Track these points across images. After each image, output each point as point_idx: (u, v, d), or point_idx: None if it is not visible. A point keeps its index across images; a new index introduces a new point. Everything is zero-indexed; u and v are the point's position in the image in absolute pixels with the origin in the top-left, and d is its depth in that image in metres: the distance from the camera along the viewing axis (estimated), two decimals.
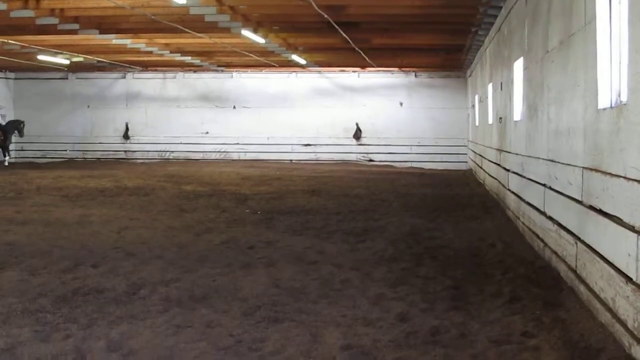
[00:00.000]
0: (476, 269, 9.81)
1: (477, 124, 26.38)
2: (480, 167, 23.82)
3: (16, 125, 33.79)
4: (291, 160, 36.53)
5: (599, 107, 7.34)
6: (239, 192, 19.70)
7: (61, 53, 28.05)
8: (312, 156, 36.79)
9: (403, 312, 7.55)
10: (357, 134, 36.41)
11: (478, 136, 25.61)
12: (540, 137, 11.05)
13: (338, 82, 36.63)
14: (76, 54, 28.55)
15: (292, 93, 36.83)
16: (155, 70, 36.96)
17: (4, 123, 34.34)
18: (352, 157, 36.54)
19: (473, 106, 28.89)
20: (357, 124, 36.31)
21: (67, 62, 30.85)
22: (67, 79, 37.89)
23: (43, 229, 13.29)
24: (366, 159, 36.40)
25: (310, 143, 37.04)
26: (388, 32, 22.22)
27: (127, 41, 24.01)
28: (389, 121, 36.25)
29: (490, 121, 20.21)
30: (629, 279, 6.08)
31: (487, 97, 21.24)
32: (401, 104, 36.35)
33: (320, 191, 20.32)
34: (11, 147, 34.80)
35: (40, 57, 28.86)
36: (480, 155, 23.78)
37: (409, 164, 35.34)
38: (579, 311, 7.44)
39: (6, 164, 32.97)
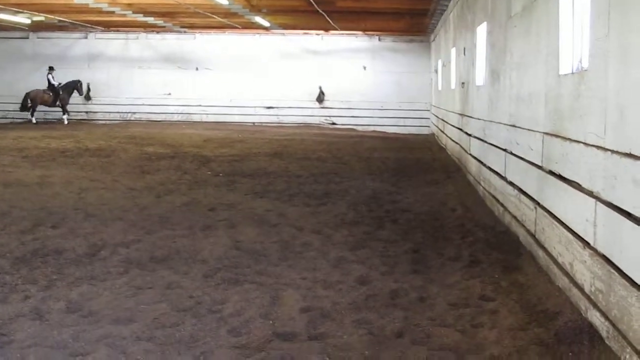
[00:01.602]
0: (436, 232, 9.88)
1: (440, 88, 26.39)
2: (443, 132, 23.84)
3: (74, 85, 34.52)
4: (254, 123, 36.25)
5: (560, 73, 7.37)
6: (201, 154, 19.59)
7: (22, 12, 27.59)
8: (275, 119, 36.59)
9: (363, 275, 7.59)
10: (320, 97, 36.19)
11: (441, 101, 25.63)
12: (502, 102, 11.07)
13: (302, 45, 36.33)
14: (37, 13, 28.11)
15: (255, 56, 36.43)
16: (118, 31, 36.37)
17: (56, 83, 34.42)
18: (315, 120, 36.41)
19: (436, 71, 28.88)
20: (320, 88, 36.13)
21: (28, 21, 30.36)
22: (27, 38, 37.20)
23: (2, 190, 13.13)
24: (329, 122, 36.32)
25: (273, 106, 36.79)
26: None
27: (89, 0, 23.65)
28: (352, 85, 36.02)
29: (453, 86, 20.20)
30: (586, 243, 6.15)
31: (450, 62, 21.23)
32: (365, 68, 36.15)
33: (283, 154, 20.24)
34: None
35: (1, 16, 28.38)
36: (443, 120, 23.79)
37: (372, 128, 35.30)
38: (537, 275, 7.50)
39: (66, 122, 34.38)
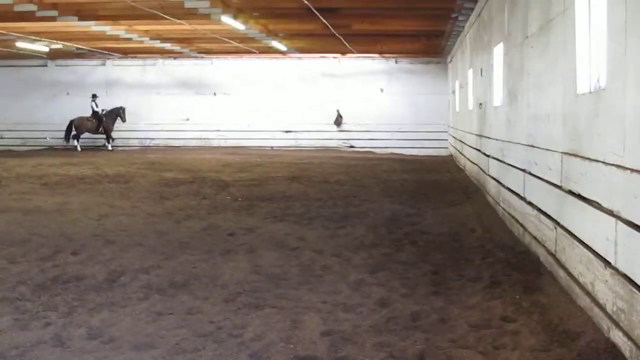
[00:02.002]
0: (456, 254, 9.74)
1: (457, 109, 26.18)
2: (461, 153, 23.60)
3: (117, 112, 35.21)
4: (272, 147, 35.88)
5: (577, 92, 7.31)
6: (219, 179, 19.51)
7: (40, 40, 27.76)
8: (293, 143, 36.33)
9: (383, 298, 7.51)
10: (338, 120, 35.98)
11: (459, 122, 25.42)
12: (520, 122, 10.97)
13: (318, 68, 36.19)
14: (55, 41, 28.28)
15: (273, 80, 36.30)
16: (135, 57, 36.13)
17: (100, 110, 35.19)
18: (333, 143, 36.02)
19: (453, 92, 28.60)
20: (337, 110, 35.91)
21: (46, 49, 30.56)
22: (46, 66, 37.31)
23: (22, 217, 13.11)
24: (347, 145, 35.94)
25: (291, 129, 36.54)
26: (368, 18, 22.11)
27: (107, 28, 23.78)
28: (369, 107, 35.68)
29: (470, 107, 20.01)
30: (607, 263, 6.08)
31: (467, 83, 21.08)
32: (382, 90, 35.89)
33: (301, 177, 20.13)
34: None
35: (19, 44, 28.57)
36: (461, 141, 23.58)
37: (389, 150, 34.81)
38: (558, 295, 7.41)
39: (110, 148, 35.23)
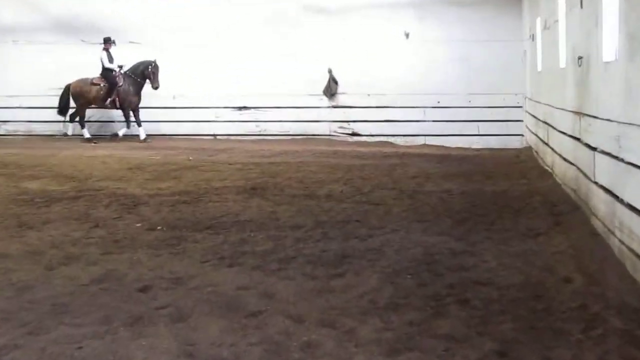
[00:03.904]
0: (538, 321, 7.48)
1: (539, 68, 19.21)
2: (546, 144, 17.60)
3: (144, 70, 23.72)
4: (215, 135, 24.97)
5: None
6: (124, 193, 14.74)
7: None
8: (252, 127, 25.05)
9: None
10: (331, 89, 24.69)
11: (541, 91, 18.79)
12: None
13: (298, 1, 24.83)
14: None
15: (216, 21, 24.70)
16: None
17: (115, 66, 23.88)
18: (323, 128, 24.97)
19: (532, 38, 20.68)
20: (329, 72, 24.54)
21: None
22: None
23: None
24: (346, 131, 25.14)
25: (248, 105, 24.76)
26: None
27: None
28: (385, 66, 24.20)
29: (562, 63, 14.90)
30: None
31: (556, 21, 15.67)
32: (407, 35, 24.25)
33: (266, 189, 15.28)
34: None
35: None
36: (546, 124, 17.47)
37: (420, 141, 24.55)
38: None
39: (121, 134, 24.04)
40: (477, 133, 24.30)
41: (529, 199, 14.28)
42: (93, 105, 23.99)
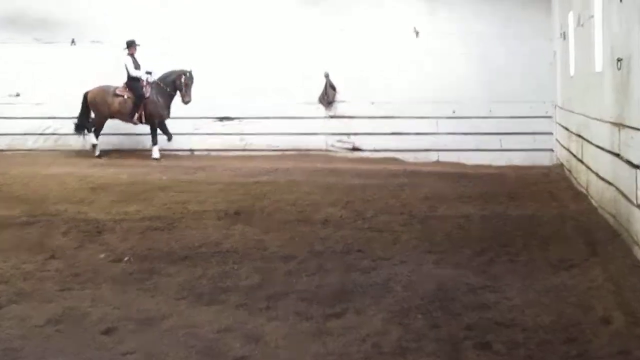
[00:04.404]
0: None
1: (572, 72, 17.80)
2: (580, 160, 16.33)
3: (174, 80, 20.68)
4: (192, 150, 22.32)
5: None
6: (85, 217, 13.34)
7: None
8: (235, 141, 22.31)
9: None
10: (327, 96, 22.15)
11: (575, 98, 17.37)
12: None
13: None
14: None
15: (190, 15, 22.21)
16: None
17: (142, 74, 20.81)
18: (319, 142, 22.16)
19: (564, 36, 18.74)
20: (326, 76, 21.73)
21: None
22: None
23: None
24: (346, 145, 22.45)
25: (231, 116, 22.02)
26: None
27: None
28: (392, 69, 21.60)
29: (598, 66, 13.70)
30: None
31: (592, 16, 14.38)
32: (417, 32, 21.70)
33: (252, 213, 13.94)
34: None
35: None
36: (580, 137, 16.17)
37: (433, 157, 22.13)
38: None
39: (157, 156, 20.83)
40: (499, 148, 21.63)
41: (561, 225, 13.01)
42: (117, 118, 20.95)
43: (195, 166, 19.90)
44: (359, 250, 11.07)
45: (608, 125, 12.27)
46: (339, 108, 21.53)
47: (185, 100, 20.36)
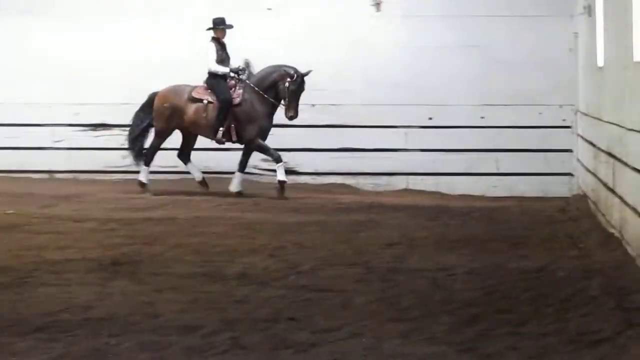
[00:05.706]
0: None
1: (600, 63, 14.19)
2: (611, 190, 13.15)
3: (275, 80, 15.24)
4: (51, 172, 17.29)
5: None
6: None
7: None
8: (116, 159, 16.94)
9: None
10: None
11: (604, 100, 13.71)
12: None
13: None
14: None
15: None
16: None
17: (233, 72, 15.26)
18: (233, 161, 16.06)
19: (589, 11, 15.08)
20: (247, 66, 15.45)
21: None
22: None
23: None
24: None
25: (108, 122, 16.58)
26: None
27: None
28: (342, 58, 16.47)
29: (636, 56, 11.08)
30: None
31: None
32: (378, 4, 16.53)
33: (140, 263, 11.08)
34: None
35: None
36: (611, 156, 12.82)
37: (400, 183, 17.25)
38: None
39: (283, 178, 15.55)
40: (495, 171, 16.72)
41: (584, 283, 10.09)
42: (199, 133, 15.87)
43: (56, 195, 15.74)
44: (292, 319, 8.57)
45: None
46: None
47: (290, 115, 15.22)
